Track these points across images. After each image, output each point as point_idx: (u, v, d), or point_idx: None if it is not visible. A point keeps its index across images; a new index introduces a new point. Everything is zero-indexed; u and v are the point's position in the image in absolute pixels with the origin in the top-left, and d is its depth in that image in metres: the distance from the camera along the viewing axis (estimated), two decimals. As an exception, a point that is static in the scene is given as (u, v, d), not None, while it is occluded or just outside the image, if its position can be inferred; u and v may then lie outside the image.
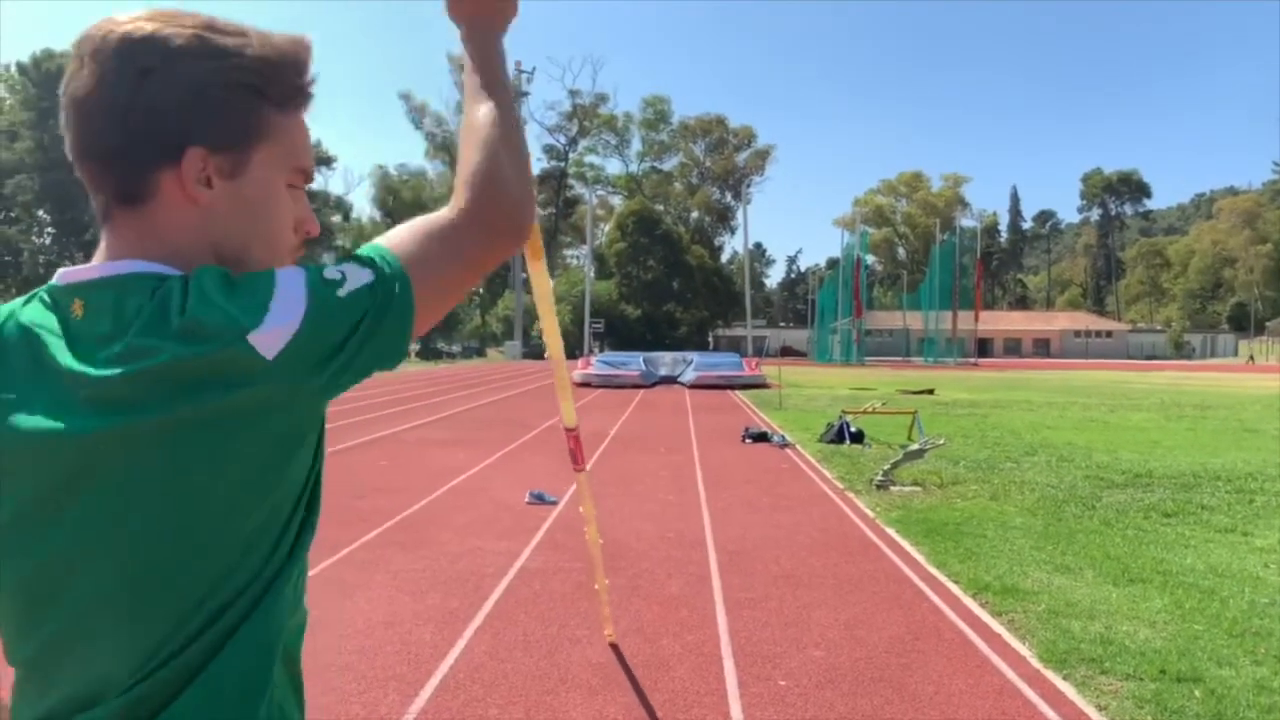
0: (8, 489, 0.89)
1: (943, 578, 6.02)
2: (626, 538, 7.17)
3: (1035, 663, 4.47)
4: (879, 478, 9.66)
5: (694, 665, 4.40)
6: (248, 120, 0.98)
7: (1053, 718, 3.83)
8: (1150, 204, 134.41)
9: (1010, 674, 4.33)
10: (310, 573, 4.39)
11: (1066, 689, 4.14)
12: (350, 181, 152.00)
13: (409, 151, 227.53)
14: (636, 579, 5.96)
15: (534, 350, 76.79)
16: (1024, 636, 4.84)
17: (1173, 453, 12.47)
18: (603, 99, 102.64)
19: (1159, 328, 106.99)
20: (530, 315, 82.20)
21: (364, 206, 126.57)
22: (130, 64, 0.92)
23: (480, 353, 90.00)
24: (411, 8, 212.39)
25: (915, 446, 10.41)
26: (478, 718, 3.78)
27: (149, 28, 0.93)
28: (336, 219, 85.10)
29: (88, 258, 0.99)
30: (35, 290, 0.97)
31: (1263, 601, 5.40)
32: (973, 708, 3.93)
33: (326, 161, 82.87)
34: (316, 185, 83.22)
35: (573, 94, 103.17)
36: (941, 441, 11.09)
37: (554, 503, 8.55)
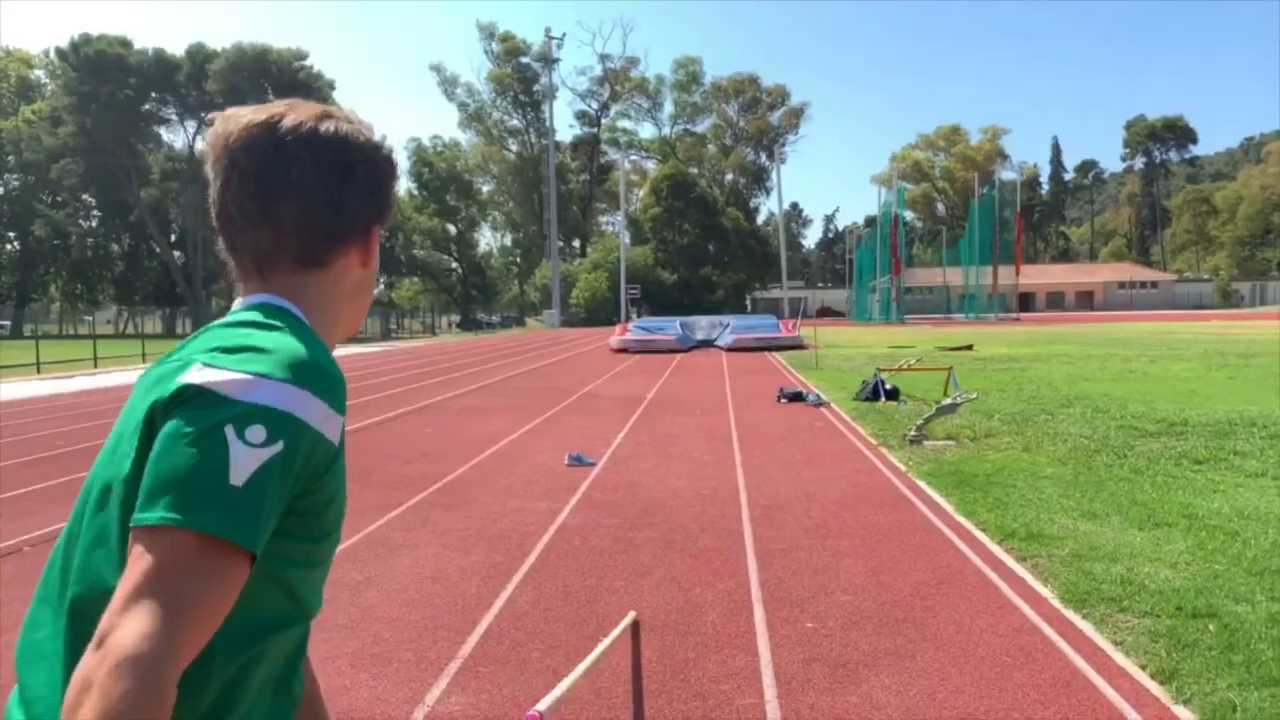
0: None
1: (970, 526, 6.18)
2: (663, 496, 7.40)
3: (1056, 603, 4.64)
4: (912, 433, 9.79)
5: (725, 611, 4.63)
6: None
7: (1069, 653, 4.00)
8: (1196, 150, 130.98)
9: (1031, 614, 4.49)
10: (360, 534, 4.78)
11: (1085, 627, 4.30)
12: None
13: (442, 123, 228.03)
14: (671, 534, 6.19)
15: (571, 318, 77.23)
16: (1046, 579, 5.00)
17: (1210, 401, 12.44)
18: (634, 62, 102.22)
19: (1206, 277, 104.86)
20: (567, 284, 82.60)
21: (400, 179, 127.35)
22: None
23: (520, 322, 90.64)
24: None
25: (948, 401, 10.51)
26: (521, 661, 4.03)
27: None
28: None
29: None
30: None
31: (1285, 542, 5.50)
32: (991, 645, 4.11)
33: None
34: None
35: (603, 59, 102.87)
36: (974, 396, 11.18)
37: (592, 464, 8.80)
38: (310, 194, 1.13)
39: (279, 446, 0.98)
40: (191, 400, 0.98)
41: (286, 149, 1.11)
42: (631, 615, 2.92)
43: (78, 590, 1.03)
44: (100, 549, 1.03)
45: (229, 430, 0.96)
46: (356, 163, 1.16)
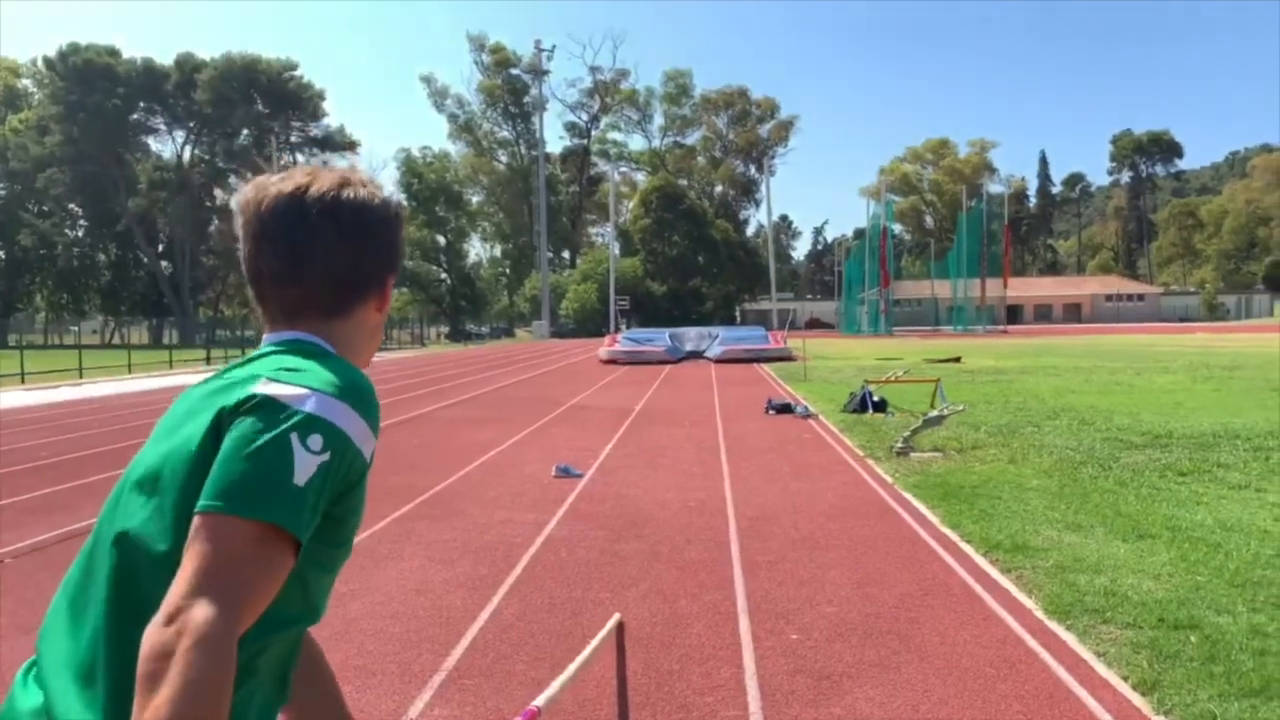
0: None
1: (955, 538, 6.20)
2: (650, 507, 7.40)
3: (1040, 615, 4.65)
4: (899, 445, 9.82)
5: (710, 623, 4.63)
6: None
7: (1052, 664, 4.02)
8: (1182, 164, 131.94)
9: (1015, 625, 4.51)
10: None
11: (1068, 638, 4.32)
12: (374, 165, 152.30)
13: (431, 134, 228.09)
14: (657, 545, 6.19)
15: (561, 329, 77.22)
16: (1030, 591, 5.02)
17: (1195, 414, 12.51)
18: (623, 74, 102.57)
19: (1192, 290, 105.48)
20: (557, 295, 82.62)
21: (389, 190, 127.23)
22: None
23: (509, 333, 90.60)
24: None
25: (935, 413, 10.55)
26: (506, 673, 4.03)
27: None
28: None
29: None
30: None
31: (1268, 553, 5.53)
32: (975, 656, 4.12)
33: (351, 146, 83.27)
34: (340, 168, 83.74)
35: (593, 70, 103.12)
36: (961, 408, 11.23)
37: (580, 476, 8.80)
38: (334, 257, 1.28)
39: (328, 455, 1.13)
40: (261, 407, 1.13)
41: (311, 218, 1.26)
42: (616, 617, 2.93)
43: (119, 535, 1.16)
44: (153, 523, 1.15)
45: (294, 437, 1.11)
46: (374, 224, 1.32)
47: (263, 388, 1.16)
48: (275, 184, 1.28)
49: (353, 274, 1.30)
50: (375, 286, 1.34)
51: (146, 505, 1.17)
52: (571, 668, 2.52)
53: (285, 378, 1.17)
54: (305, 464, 1.10)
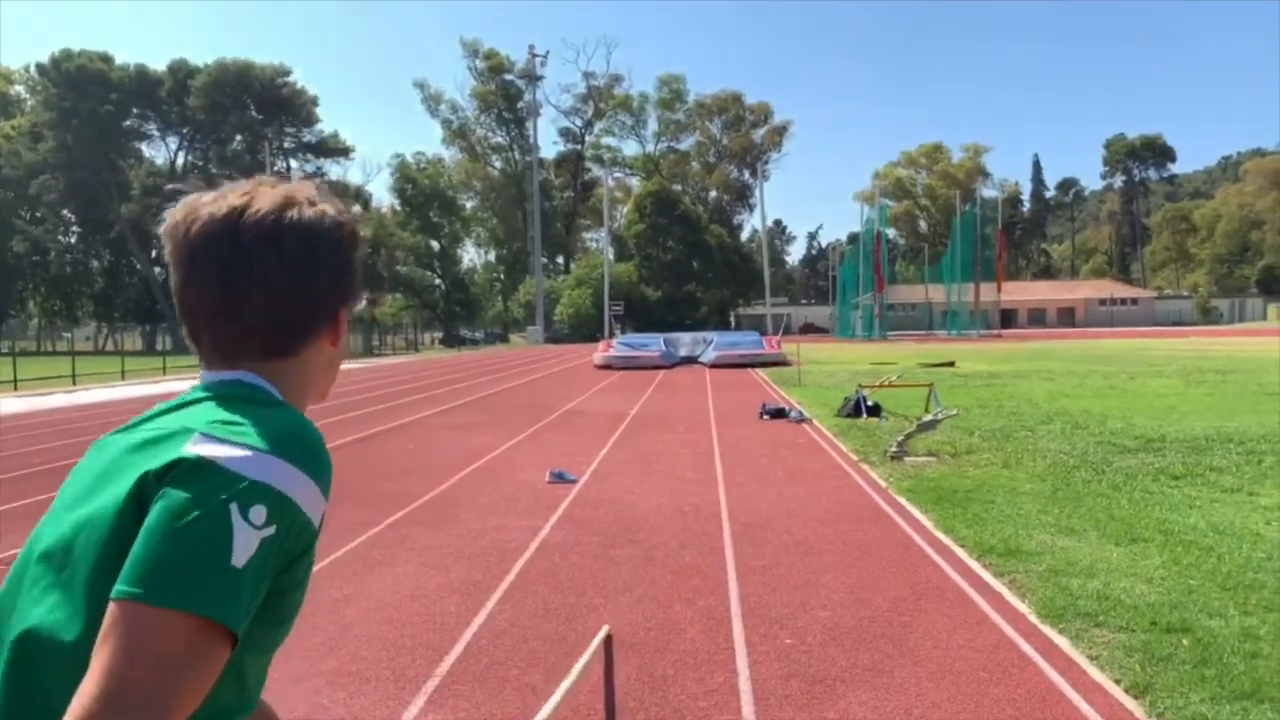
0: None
1: (949, 542, 6.21)
2: (644, 513, 7.40)
3: (1033, 618, 4.67)
4: (893, 449, 9.83)
5: (704, 627, 4.63)
6: None
7: (1045, 668, 4.03)
8: (1175, 168, 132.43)
9: (1008, 629, 4.52)
10: (339, 552, 4.76)
11: (1061, 642, 4.33)
12: (369, 171, 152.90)
13: (425, 139, 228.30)
14: (652, 551, 6.19)
15: (555, 335, 77.24)
16: (1024, 594, 5.03)
17: (1188, 417, 12.55)
18: (617, 80, 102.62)
19: (1185, 294, 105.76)
20: (551, 300, 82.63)
21: (383, 195, 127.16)
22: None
23: (503, 338, 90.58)
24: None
25: (929, 418, 10.57)
26: (499, 678, 4.03)
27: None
28: (356, 209, 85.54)
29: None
30: None
31: (1259, 556, 5.56)
32: (968, 660, 4.13)
33: (344, 152, 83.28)
34: (335, 175, 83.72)
35: (587, 76, 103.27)
36: (955, 412, 11.25)
37: (573, 481, 8.80)
38: (275, 291, 1.08)
39: (272, 529, 0.96)
40: (194, 473, 0.96)
41: (249, 247, 1.07)
42: (605, 629, 2.93)
43: (20, 636, 0.97)
44: (60, 608, 0.96)
45: (234, 509, 0.94)
46: (321, 250, 1.12)
47: (195, 447, 0.98)
48: (207, 205, 1.09)
49: (299, 310, 1.11)
50: (327, 320, 1.15)
51: (53, 585, 0.98)
52: (562, 687, 2.53)
53: (223, 433, 0.99)
54: (245, 541, 0.93)
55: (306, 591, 1.11)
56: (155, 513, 0.94)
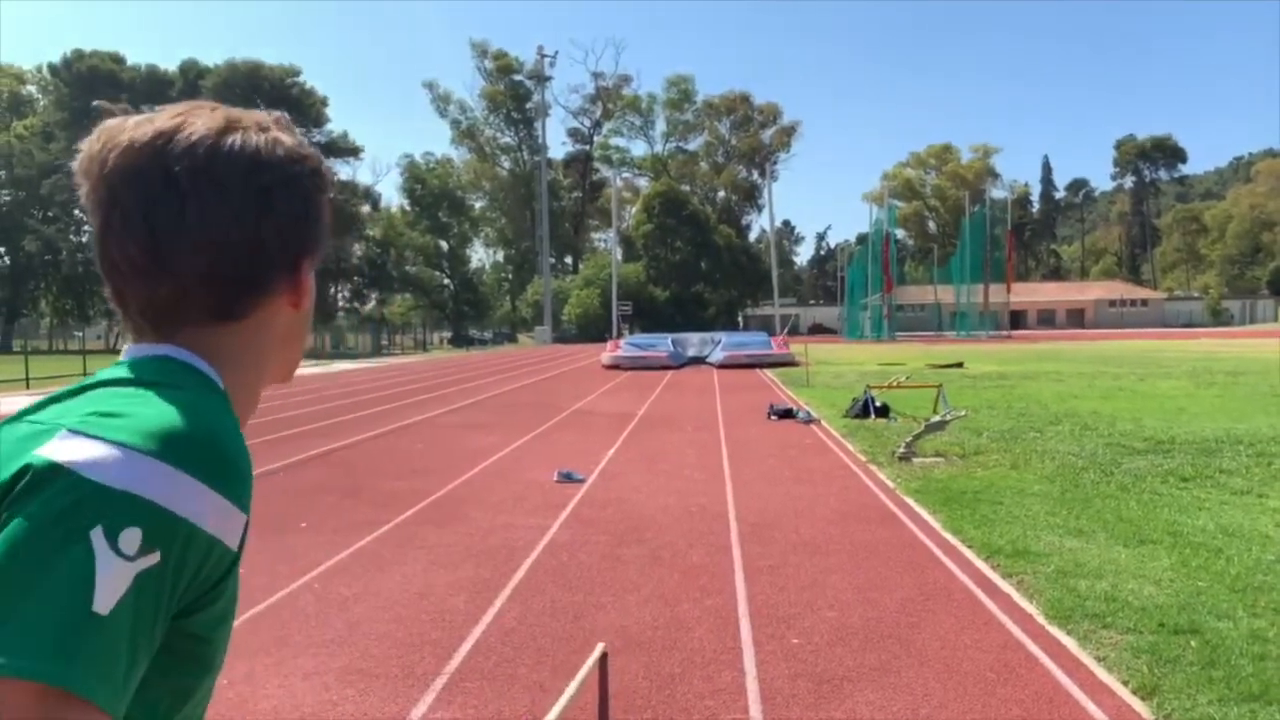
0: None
1: (957, 543, 6.21)
2: (652, 512, 7.41)
3: (1041, 620, 4.67)
4: (901, 450, 9.83)
5: (711, 627, 4.65)
6: None
7: (1052, 669, 4.03)
8: (1185, 169, 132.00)
9: (1015, 630, 4.52)
10: (348, 550, 4.77)
11: (1069, 643, 4.33)
12: (378, 171, 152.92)
13: (434, 140, 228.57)
14: (659, 550, 6.20)
15: (563, 335, 77.30)
16: (1032, 596, 5.03)
17: (1198, 419, 12.51)
18: (626, 80, 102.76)
19: (1196, 295, 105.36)
20: (559, 300, 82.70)
21: (392, 195, 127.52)
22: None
23: (511, 338, 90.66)
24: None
25: (937, 419, 10.57)
26: (507, 676, 4.05)
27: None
28: (366, 209, 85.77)
29: None
30: None
31: (1268, 559, 5.54)
32: (976, 661, 4.13)
33: (354, 152, 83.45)
34: (345, 176, 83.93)
35: (596, 76, 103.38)
36: (963, 413, 11.24)
37: (581, 481, 8.81)
38: (215, 237, 0.85)
39: (154, 558, 0.71)
40: (44, 485, 0.71)
41: (179, 180, 0.84)
42: (600, 647, 2.93)
43: None
44: None
45: (97, 535, 0.69)
46: (274, 186, 0.88)
47: (52, 448, 0.73)
48: (128, 131, 0.86)
49: (244, 261, 0.87)
50: (284, 273, 0.91)
51: None
52: (555, 709, 2.54)
53: (94, 429, 0.74)
54: (112, 578, 0.68)
55: (232, 626, 0.86)
56: None
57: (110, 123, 0.88)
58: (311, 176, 0.93)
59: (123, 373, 0.85)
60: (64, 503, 0.70)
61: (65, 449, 0.73)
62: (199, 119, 0.88)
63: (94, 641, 0.67)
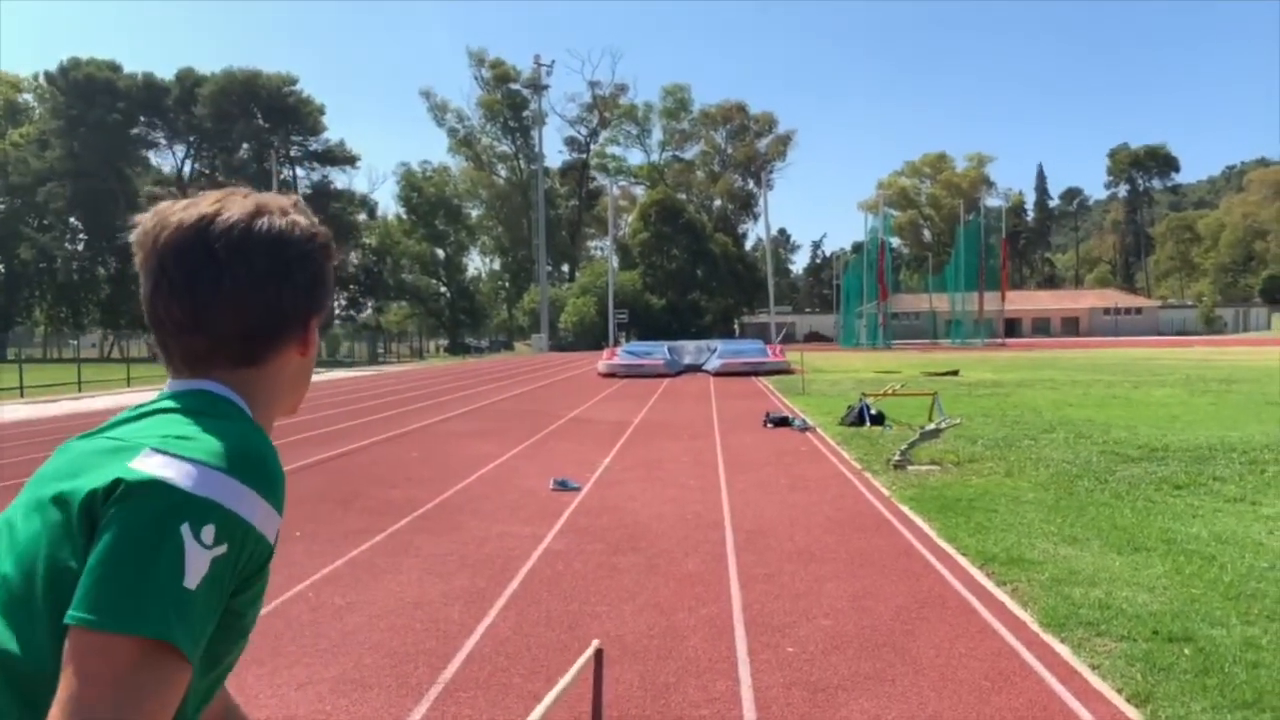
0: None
1: (951, 551, 6.21)
2: (648, 520, 7.41)
3: (1035, 627, 4.67)
4: (896, 458, 9.84)
5: (707, 636, 4.65)
6: None
7: (1046, 677, 4.04)
8: (1179, 178, 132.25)
9: (1010, 638, 4.53)
10: (343, 559, 4.76)
11: (1063, 650, 4.34)
12: (374, 179, 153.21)
13: (431, 148, 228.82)
14: (655, 559, 6.20)
15: (560, 343, 77.30)
16: (1026, 603, 5.04)
17: (1191, 427, 12.54)
18: (622, 89, 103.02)
19: (1190, 303, 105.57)
20: (556, 308, 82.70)
21: (389, 204, 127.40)
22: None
23: (508, 346, 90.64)
24: (430, 3, 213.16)
25: (932, 426, 10.58)
26: (502, 685, 4.04)
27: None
28: (362, 217, 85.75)
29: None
30: None
31: (1261, 566, 5.56)
32: (970, 669, 4.14)
33: (350, 160, 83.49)
34: (341, 184, 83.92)
35: (592, 85, 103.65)
36: (958, 421, 11.25)
37: (577, 489, 8.81)
38: (245, 302, 1.07)
39: (224, 548, 0.94)
40: (141, 492, 0.93)
41: (219, 256, 1.06)
42: (595, 644, 2.93)
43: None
44: (25, 631, 0.95)
45: (185, 530, 0.92)
46: (292, 261, 1.11)
47: (143, 463, 0.95)
48: (178, 212, 1.08)
49: (267, 320, 1.10)
50: (296, 330, 1.14)
51: (18, 605, 0.96)
52: (548, 699, 2.53)
53: (174, 449, 0.97)
54: (197, 562, 0.91)
55: (261, 608, 1.09)
56: (105, 534, 0.91)
57: (162, 205, 1.11)
58: (321, 250, 1.16)
59: (174, 404, 1.07)
60: (161, 506, 0.93)
61: (154, 464, 0.95)
62: (234, 205, 1.10)
63: (186, 609, 0.91)
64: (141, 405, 1.09)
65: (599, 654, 2.82)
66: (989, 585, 5.41)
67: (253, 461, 1.00)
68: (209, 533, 0.93)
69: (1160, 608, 4.83)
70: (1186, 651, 4.21)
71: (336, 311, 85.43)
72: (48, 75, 76.33)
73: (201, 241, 1.06)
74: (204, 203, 1.09)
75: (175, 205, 1.10)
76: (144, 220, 1.10)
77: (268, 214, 1.10)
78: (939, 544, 6.42)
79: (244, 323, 1.08)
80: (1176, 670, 4.01)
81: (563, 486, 8.89)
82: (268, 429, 1.14)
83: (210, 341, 1.08)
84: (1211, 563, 5.65)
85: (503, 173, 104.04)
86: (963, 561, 5.94)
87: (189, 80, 77.95)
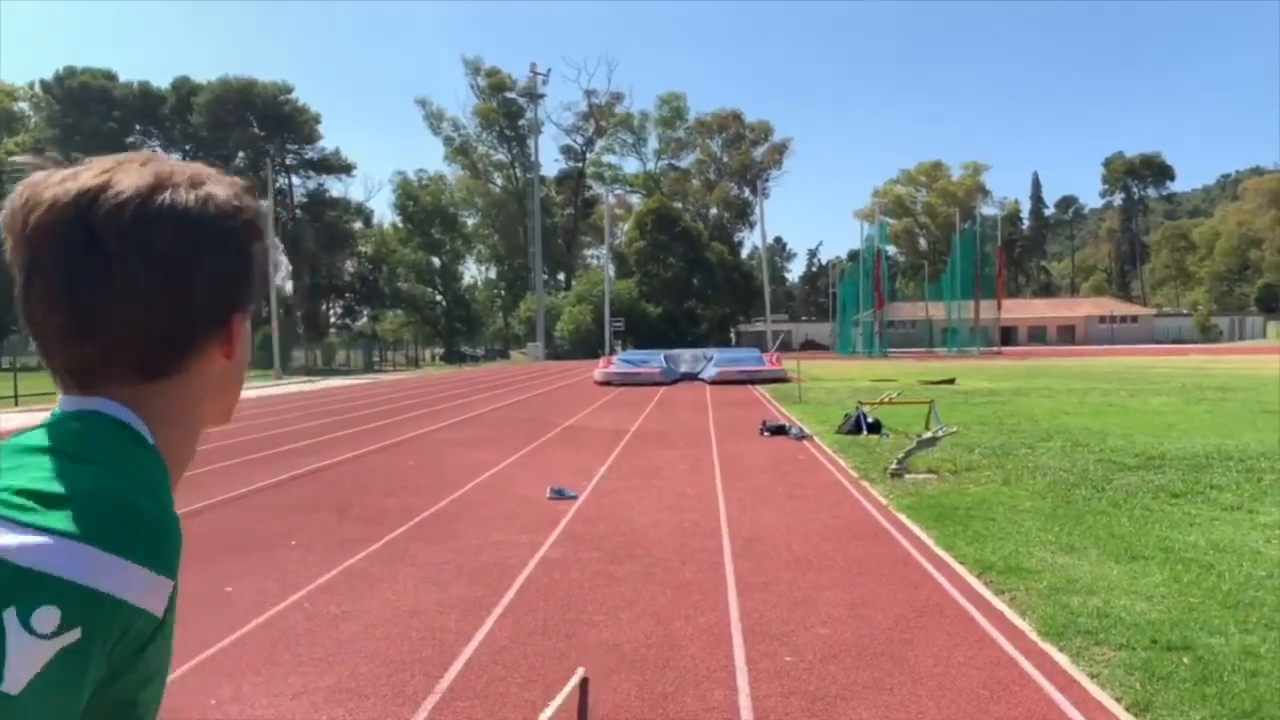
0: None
1: (949, 559, 6.20)
2: (644, 529, 7.39)
3: (1033, 636, 4.66)
4: (893, 466, 9.83)
5: (704, 645, 4.63)
6: None
7: (1045, 685, 4.02)
8: (1174, 186, 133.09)
9: (1008, 647, 4.52)
10: (338, 568, 4.75)
11: (1061, 659, 4.33)
12: (370, 188, 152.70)
13: (427, 157, 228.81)
14: (652, 567, 6.18)
15: (556, 351, 77.29)
16: (1024, 612, 5.03)
17: (1188, 435, 12.55)
18: (618, 98, 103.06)
19: (1185, 311, 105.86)
20: (552, 317, 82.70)
21: (385, 212, 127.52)
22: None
23: (504, 354, 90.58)
24: (426, 12, 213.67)
25: (929, 435, 10.57)
26: (498, 695, 4.02)
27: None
28: (358, 225, 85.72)
29: None
30: None
31: (1259, 574, 5.55)
32: (969, 678, 4.12)
33: (346, 169, 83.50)
34: (337, 192, 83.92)
35: (588, 94, 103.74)
36: (954, 429, 11.25)
37: (574, 498, 8.79)
38: (143, 301, 0.82)
39: (75, 635, 0.71)
40: None
41: (105, 242, 0.80)
42: (580, 672, 2.91)
43: None
44: None
45: (9, 616, 0.69)
46: (203, 243, 0.85)
47: None
48: (52, 188, 0.82)
49: (173, 322, 0.84)
50: (215, 330, 0.88)
51: None
52: None
53: (14, 511, 0.73)
54: (27, 655, 0.69)
55: (165, 684, 0.86)
56: None
57: (35, 177, 0.84)
58: (245, 229, 0.89)
59: (45, 440, 0.82)
60: None
61: None
62: (127, 176, 0.83)
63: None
64: (17, 436, 0.83)
65: (584, 683, 2.80)
66: (987, 594, 5.40)
67: (125, 520, 0.77)
68: (47, 618, 0.70)
69: (1159, 616, 4.83)
70: (1185, 660, 4.20)
71: (332, 320, 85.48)
72: (43, 84, 76.34)
73: (82, 224, 0.80)
74: (87, 174, 0.83)
75: (51, 177, 0.83)
76: (11, 198, 0.84)
77: (170, 187, 0.84)
78: (937, 552, 6.41)
79: (142, 327, 0.83)
80: (1175, 679, 3.99)
81: (559, 495, 8.87)
82: (185, 450, 0.92)
83: (100, 351, 0.83)
84: (1209, 571, 5.65)
85: (499, 181, 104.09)
86: (960, 570, 5.93)
87: (185, 89, 78.00)
